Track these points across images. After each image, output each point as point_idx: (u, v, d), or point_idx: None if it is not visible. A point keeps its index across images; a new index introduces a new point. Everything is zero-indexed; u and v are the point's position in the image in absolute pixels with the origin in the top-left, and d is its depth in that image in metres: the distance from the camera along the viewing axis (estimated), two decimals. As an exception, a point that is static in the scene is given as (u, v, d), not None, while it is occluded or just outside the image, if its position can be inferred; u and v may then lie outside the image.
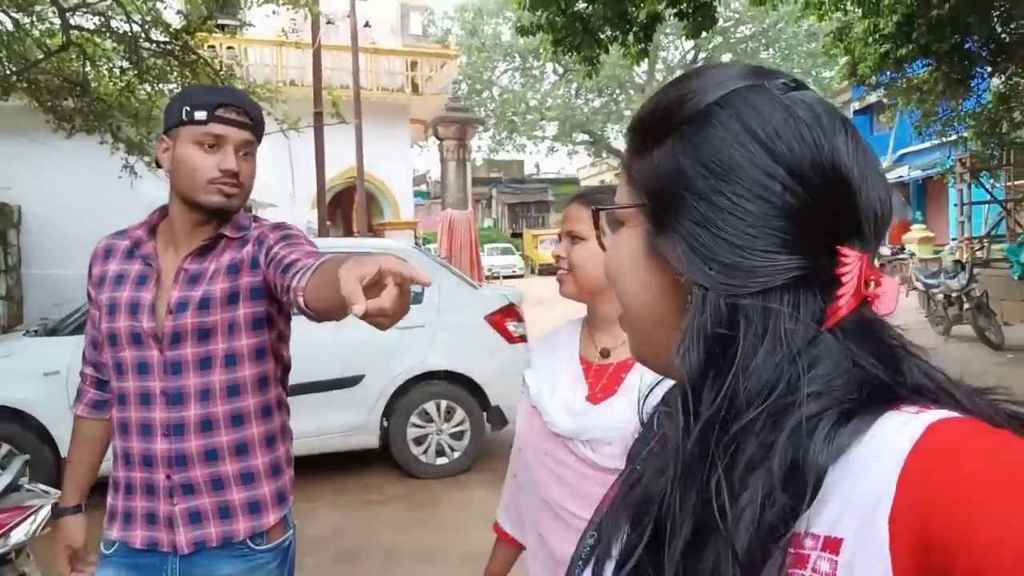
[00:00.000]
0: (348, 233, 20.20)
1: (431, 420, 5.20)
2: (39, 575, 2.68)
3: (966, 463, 0.43)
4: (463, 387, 5.26)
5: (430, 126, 18.22)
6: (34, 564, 2.68)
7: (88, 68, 7.37)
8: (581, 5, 7.03)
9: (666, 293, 0.57)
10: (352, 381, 5.00)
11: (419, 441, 5.19)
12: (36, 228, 10.20)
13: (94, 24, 7.19)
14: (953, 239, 14.85)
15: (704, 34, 7.63)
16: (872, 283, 0.53)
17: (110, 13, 7.12)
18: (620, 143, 31.49)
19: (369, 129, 14.38)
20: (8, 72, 6.79)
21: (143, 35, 7.26)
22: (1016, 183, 13.79)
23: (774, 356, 0.50)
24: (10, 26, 6.80)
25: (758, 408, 0.49)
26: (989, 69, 9.92)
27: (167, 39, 7.36)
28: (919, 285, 10.11)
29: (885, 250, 15.38)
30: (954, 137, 12.17)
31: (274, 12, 8.04)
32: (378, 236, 14.76)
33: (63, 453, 1.79)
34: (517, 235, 34.60)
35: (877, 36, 8.51)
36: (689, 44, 27.54)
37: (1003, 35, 9.52)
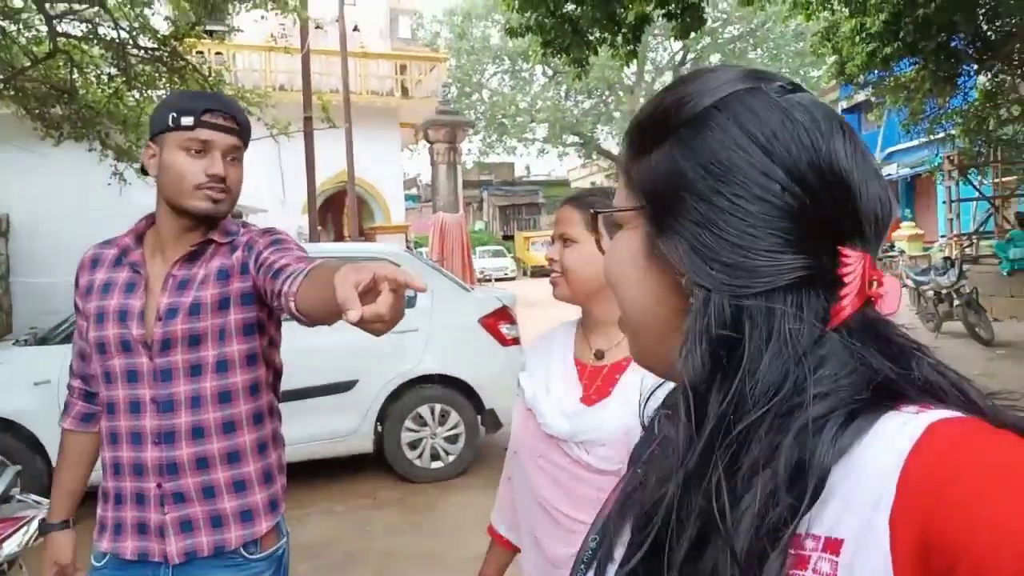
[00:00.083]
0: (339, 237, 20.16)
1: (425, 424, 5.19)
2: (32, 586, 2.67)
3: (966, 463, 0.43)
4: (457, 391, 5.26)
5: (420, 129, 18.20)
6: (26, 575, 2.66)
7: (76, 75, 7.34)
8: (570, 7, 7.04)
9: (667, 295, 0.57)
10: (346, 386, 4.99)
11: (413, 445, 5.18)
12: (25, 236, 10.15)
13: (81, 31, 7.16)
14: (942, 236, 14.95)
15: (692, 35, 7.65)
16: (875, 283, 0.53)
17: (97, 20, 7.09)
18: (610, 144, 31.58)
19: (359, 133, 14.36)
20: (-5, 80, 6.76)
21: (131, 42, 7.24)
22: (1004, 180, 13.90)
23: (780, 357, 0.50)
24: (-4, 34, 6.76)
25: (764, 409, 0.49)
26: (975, 67, 9.99)
27: (155, 45, 7.34)
28: (909, 282, 10.16)
29: (875, 248, 15.41)
30: (942, 135, 12.25)
31: (263, 17, 8.03)
32: (369, 240, 14.74)
33: (55, 463, 1.77)
34: (508, 237, 34.63)
35: (864, 35, 8.56)
36: (678, 45, 27.65)
37: (989, 33, 9.59)
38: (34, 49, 7.06)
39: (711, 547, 0.49)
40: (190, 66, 7.56)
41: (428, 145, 17.82)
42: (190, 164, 1.51)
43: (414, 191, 35.32)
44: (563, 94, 30.07)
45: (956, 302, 9.22)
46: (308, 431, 4.78)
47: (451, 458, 5.25)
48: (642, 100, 27.76)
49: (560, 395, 1.42)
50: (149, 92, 7.59)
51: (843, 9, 9.05)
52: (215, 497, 1.55)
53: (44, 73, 7.14)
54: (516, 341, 5.30)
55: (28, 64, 6.88)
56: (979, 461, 0.43)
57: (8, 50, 6.88)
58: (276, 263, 1.48)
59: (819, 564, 0.47)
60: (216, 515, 1.55)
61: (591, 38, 7.31)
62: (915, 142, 14.30)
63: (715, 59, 28.49)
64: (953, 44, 9.31)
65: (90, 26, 7.12)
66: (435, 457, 5.23)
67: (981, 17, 9.10)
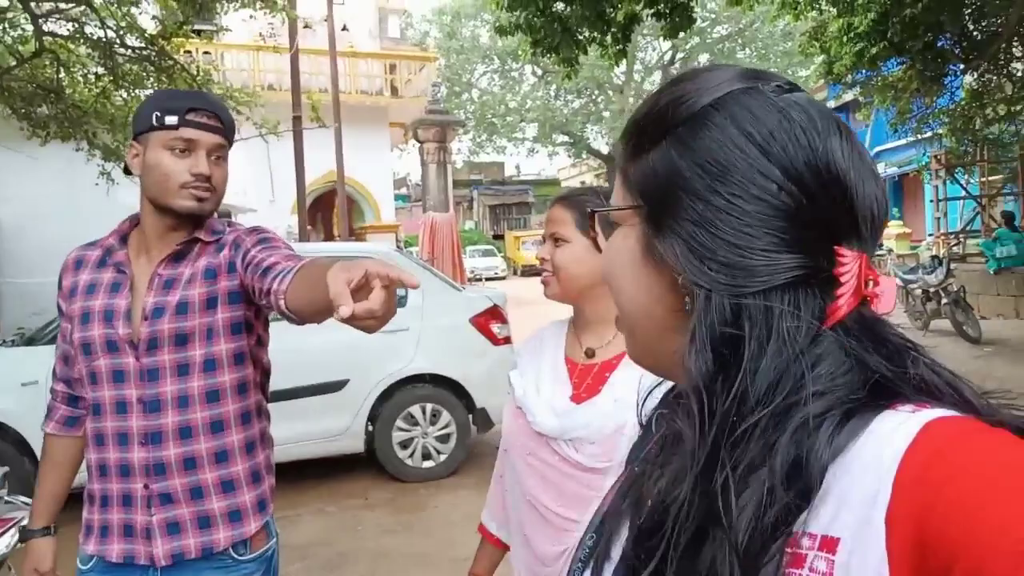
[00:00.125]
0: (329, 237, 20.11)
1: (416, 424, 5.19)
2: (20, 589, 2.65)
3: (962, 462, 0.43)
4: (448, 390, 5.25)
5: (410, 129, 18.18)
6: (15, 577, 2.65)
7: (62, 74, 7.28)
8: (559, 6, 7.05)
9: (664, 294, 0.57)
10: (336, 386, 4.98)
11: (405, 445, 5.18)
12: (12, 236, 10.07)
13: (68, 30, 7.11)
14: (930, 235, 15.05)
15: (681, 34, 7.67)
16: (871, 282, 0.53)
17: (84, 19, 7.04)
18: (600, 144, 31.62)
19: (349, 133, 14.32)
20: (-20, 79, 6.70)
21: (118, 41, 7.19)
22: (990, 178, 14.01)
23: (780, 356, 0.50)
24: (-19, 33, 6.71)
25: (766, 408, 0.49)
26: (962, 66, 10.06)
27: (143, 45, 7.29)
28: (897, 281, 10.23)
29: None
30: (929, 134, 12.33)
31: (251, 17, 8.00)
32: (359, 240, 14.71)
33: (41, 465, 1.75)
34: (499, 237, 34.62)
35: (852, 35, 8.61)
36: (666, 45, 27.71)
37: (975, 33, 9.67)
38: (20, 48, 7.00)
39: (708, 544, 0.49)
40: (178, 65, 7.52)
41: (418, 145, 17.82)
42: (175, 163, 1.50)
43: (404, 191, 35.26)
44: (553, 94, 30.09)
45: (944, 300, 9.29)
46: (299, 431, 4.77)
47: (442, 457, 5.25)
48: (631, 100, 27.86)
49: (550, 393, 1.42)
50: (136, 92, 7.54)
51: (831, 9, 9.10)
52: (203, 498, 1.54)
53: (30, 72, 7.08)
54: (507, 340, 5.30)
55: (14, 63, 6.83)
56: (975, 460, 0.43)
57: (-7, 49, 6.82)
58: (264, 261, 1.47)
59: (815, 562, 0.47)
60: (204, 516, 1.54)
61: (580, 37, 7.33)
62: (902, 141, 14.39)
63: (704, 59, 28.56)
64: (940, 44, 9.38)
65: (76, 25, 7.07)
66: (426, 456, 5.23)
67: (967, 17, 9.17)
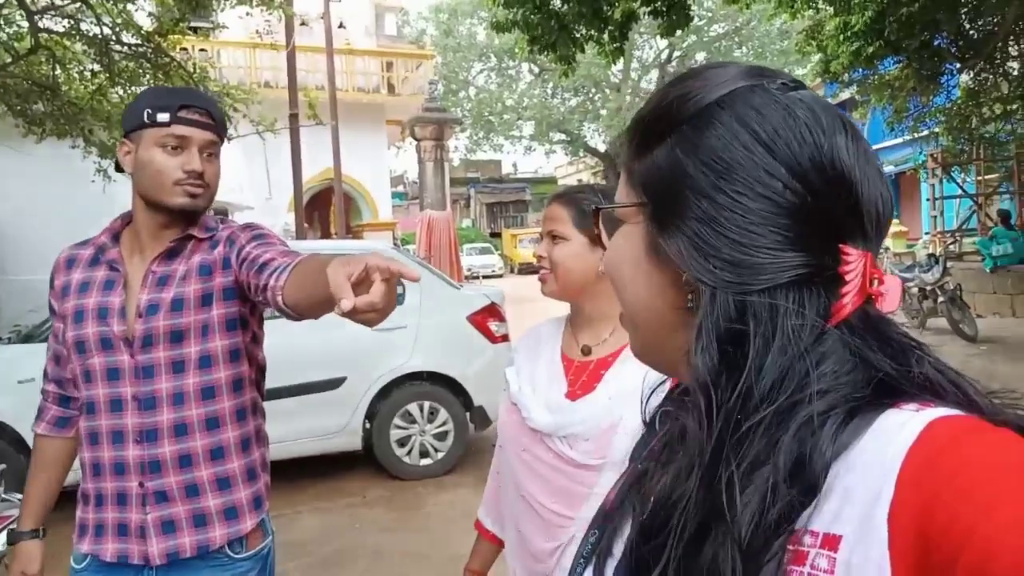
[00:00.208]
0: (326, 235, 20.08)
1: (414, 421, 5.18)
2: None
3: (966, 460, 0.43)
4: (446, 388, 5.25)
5: (407, 127, 18.14)
6: (12, 575, 2.64)
7: (58, 71, 7.26)
8: (556, 3, 7.05)
9: (668, 292, 0.57)
10: (334, 383, 4.97)
11: (402, 443, 5.18)
12: (9, 233, 10.04)
13: (63, 27, 7.09)
14: (926, 233, 15.09)
15: (679, 33, 7.67)
16: (875, 281, 0.53)
17: (80, 16, 7.02)
18: (597, 142, 31.60)
19: (345, 130, 14.30)
20: (-24, 76, 6.68)
21: (114, 38, 7.17)
22: (986, 177, 14.03)
23: (785, 354, 0.50)
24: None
25: (770, 405, 0.50)
26: (958, 65, 10.09)
27: (139, 42, 7.28)
28: (894, 279, 10.22)
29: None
30: (925, 132, 12.37)
31: (247, 14, 7.98)
32: (357, 238, 14.68)
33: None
34: (496, 235, 34.62)
35: (849, 34, 8.62)
36: (663, 43, 27.68)
37: (971, 32, 9.69)
38: (15, 45, 6.99)
39: (711, 540, 0.49)
40: (174, 63, 7.50)
41: (415, 142, 17.78)
42: (167, 160, 1.50)
43: (401, 188, 35.23)
44: (550, 92, 30.04)
45: (940, 299, 9.31)
46: (296, 429, 4.77)
47: (440, 455, 5.25)
48: (628, 98, 27.84)
49: (545, 390, 1.43)
50: (133, 88, 7.52)
51: (827, 8, 9.11)
52: (199, 495, 1.54)
53: (25, 69, 7.06)
54: (505, 338, 5.30)
55: (9, 60, 6.81)
56: (980, 457, 0.43)
57: (-11, 46, 6.80)
58: (260, 257, 1.47)
59: (817, 560, 0.47)
60: (200, 514, 1.54)
61: (578, 35, 7.32)
62: (899, 140, 14.42)
63: (701, 57, 28.53)
64: (936, 43, 9.40)
65: (72, 22, 7.05)
66: (424, 454, 5.23)
67: (963, 16, 9.19)
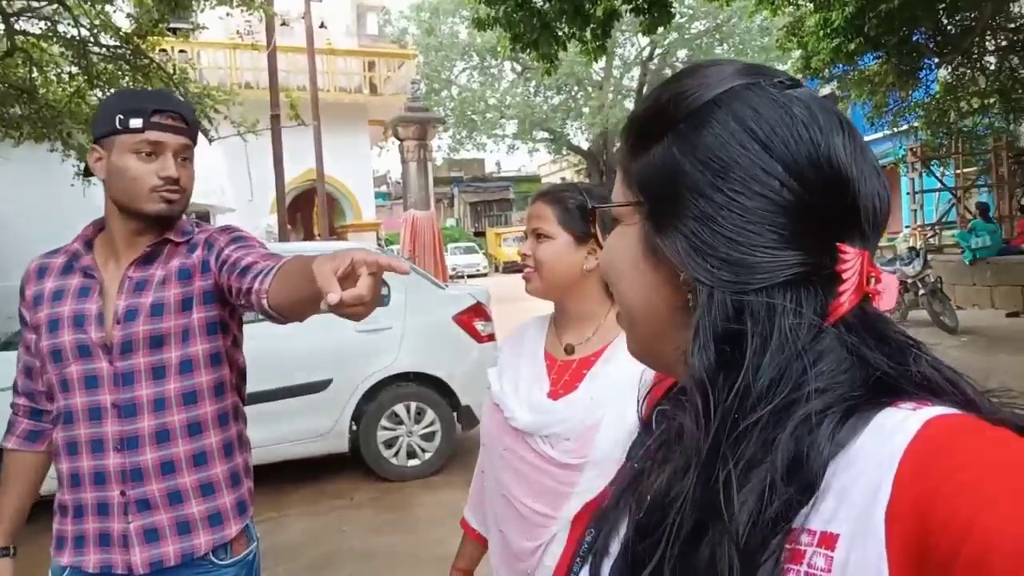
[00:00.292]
0: (309, 236, 19.98)
1: (401, 422, 5.17)
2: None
3: (965, 458, 0.43)
4: (433, 388, 5.24)
5: (389, 126, 18.11)
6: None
7: (35, 74, 7.18)
8: (538, 0, 7.04)
9: (665, 291, 0.57)
10: (320, 386, 4.95)
11: (389, 444, 5.16)
12: (-14, 239, 9.91)
13: (40, 29, 7.01)
14: (906, 227, 15.23)
15: (660, 30, 7.69)
16: (872, 279, 0.53)
17: (57, 17, 6.94)
18: (580, 140, 31.66)
19: (328, 131, 14.23)
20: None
21: (92, 39, 7.10)
22: (965, 170, 14.19)
23: (782, 353, 0.50)
24: (-49, 32, 6.59)
25: (768, 404, 0.49)
26: (936, 60, 10.19)
27: (117, 43, 7.21)
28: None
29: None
30: (905, 127, 12.50)
31: (228, 14, 7.92)
32: (340, 239, 14.63)
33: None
34: (480, 234, 34.60)
35: (829, 30, 8.68)
36: (645, 40, 27.76)
37: (949, 27, 9.79)
38: (-9, 48, 6.90)
39: (708, 539, 0.49)
40: (154, 64, 7.44)
41: (398, 142, 17.75)
42: (142, 167, 1.48)
43: (384, 189, 35.12)
44: (532, 90, 30.04)
45: (921, 291, 9.40)
46: (282, 431, 4.74)
47: (427, 456, 5.24)
48: (611, 95, 27.92)
49: (528, 389, 1.43)
50: (111, 91, 7.45)
51: (808, 4, 9.18)
52: (182, 502, 1.52)
53: (2, 72, 6.97)
54: (491, 337, 5.30)
55: (-15, 63, 6.72)
56: (977, 456, 0.43)
57: (-36, 49, 6.71)
58: (241, 260, 1.46)
59: (814, 559, 0.47)
60: (183, 521, 1.52)
61: (560, 33, 7.33)
62: (879, 135, 14.55)
63: (682, 54, 28.65)
64: (915, 38, 9.49)
65: (49, 24, 6.97)
66: (411, 455, 5.22)
67: (941, 12, 9.28)
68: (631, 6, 7.06)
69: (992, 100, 10.89)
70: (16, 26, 6.67)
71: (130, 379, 1.50)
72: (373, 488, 5.07)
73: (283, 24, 9.86)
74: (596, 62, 8.81)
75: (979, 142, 13.53)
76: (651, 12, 7.10)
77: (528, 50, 7.44)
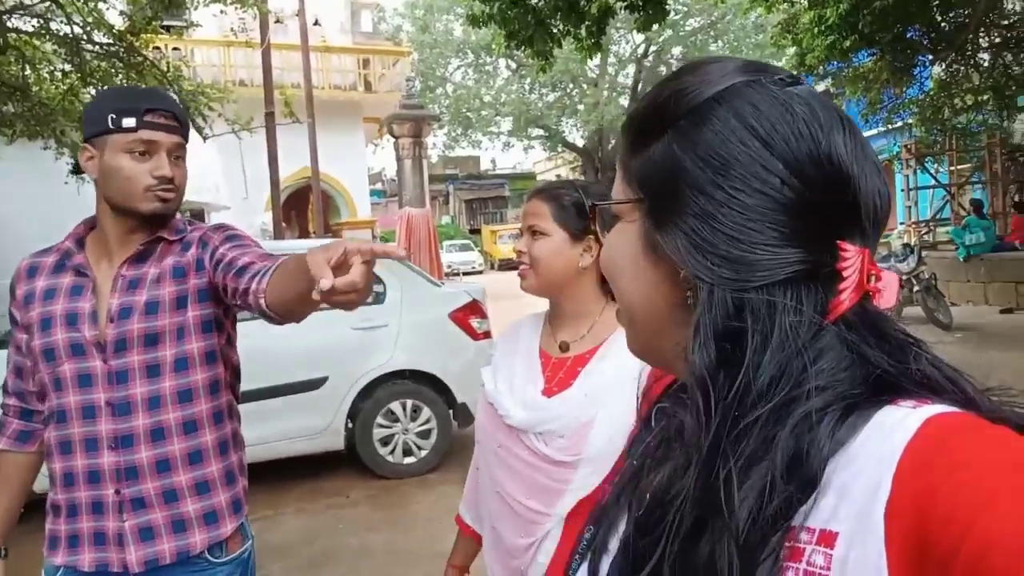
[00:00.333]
0: (304, 234, 19.96)
1: (397, 420, 5.17)
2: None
3: (964, 456, 0.43)
4: (429, 385, 5.24)
5: (384, 124, 18.06)
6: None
7: (28, 72, 7.14)
8: (533, -2, 7.04)
9: (665, 288, 0.57)
10: (315, 384, 4.95)
11: (385, 441, 5.16)
12: (-19, 237, 9.87)
13: (33, 26, 6.97)
14: (901, 223, 15.27)
15: (655, 27, 7.70)
16: (873, 277, 0.53)
17: (49, 15, 6.90)
18: (575, 137, 31.65)
19: (322, 128, 14.19)
20: (-57, 77, 6.55)
21: (85, 37, 7.06)
22: (959, 167, 14.24)
23: (782, 350, 0.50)
24: (-57, 30, 6.55)
25: (768, 402, 0.49)
26: (931, 57, 10.22)
27: (111, 41, 7.17)
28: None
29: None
30: (899, 124, 12.54)
31: (222, 12, 7.88)
32: (336, 236, 14.60)
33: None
34: (475, 231, 34.57)
35: (823, 27, 8.71)
36: (640, 37, 27.76)
37: (943, 24, 9.82)
38: (-17, 46, 6.86)
39: (707, 536, 0.49)
40: (147, 62, 7.40)
41: (393, 140, 17.71)
42: (136, 167, 1.48)
43: (379, 186, 35.07)
44: (527, 87, 30.02)
45: (915, 288, 9.43)
46: (278, 429, 4.74)
47: (423, 453, 5.24)
48: (606, 93, 27.89)
49: (522, 386, 1.43)
50: (105, 88, 7.42)
51: (802, 1, 9.19)
52: (177, 501, 1.52)
53: (-6, 70, 6.94)
54: (487, 335, 5.29)
55: (-23, 61, 6.69)
56: (977, 455, 0.43)
57: (-44, 46, 6.67)
58: (238, 260, 1.46)
59: (813, 557, 0.47)
60: (179, 519, 1.52)
61: (554, 30, 7.33)
62: (873, 132, 14.57)
63: (677, 51, 28.64)
64: (909, 35, 9.52)
65: (42, 21, 6.93)
66: (407, 453, 5.22)
67: (935, 8, 9.30)
68: (626, 3, 7.06)
69: (986, 97, 10.92)
70: (8, 24, 6.63)
71: (124, 377, 1.49)
72: (369, 486, 5.07)
73: (277, 21, 9.83)
74: (591, 59, 8.81)
75: (973, 139, 13.58)
76: (646, 9, 7.10)
77: (523, 47, 7.44)
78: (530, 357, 1.48)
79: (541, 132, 30.94)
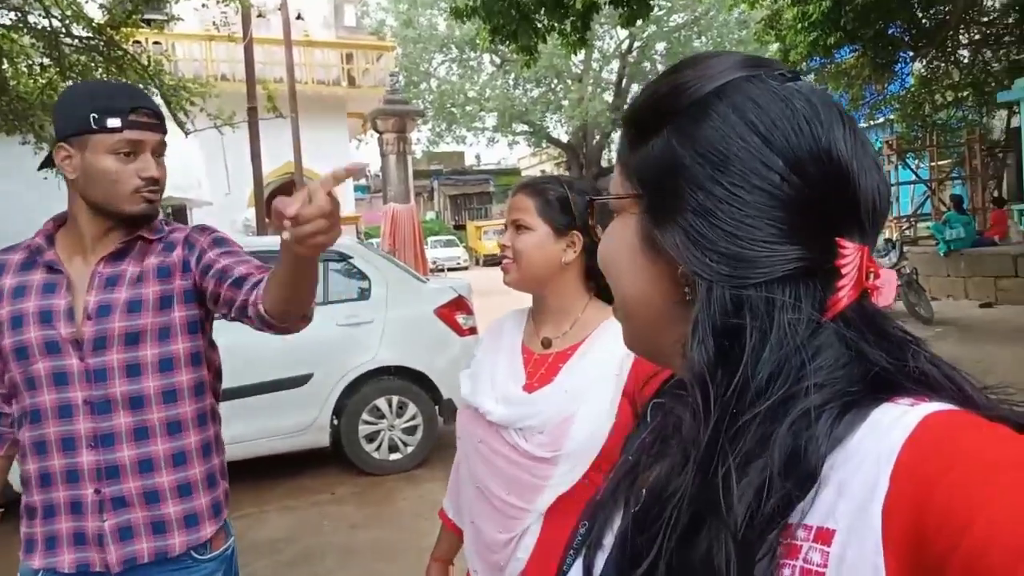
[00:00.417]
0: (288, 230, 19.82)
1: (383, 416, 5.15)
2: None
3: (962, 454, 0.43)
4: (414, 382, 5.23)
5: (368, 119, 17.96)
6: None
7: (5, 66, 7.04)
8: (517, -8, 7.02)
9: (662, 284, 0.57)
10: (300, 380, 4.92)
11: (371, 438, 5.14)
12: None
13: (10, 20, 6.87)
14: (882, 218, 15.42)
15: (639, 23, 7.71)
16: (871, 275, 0.53)
17: (27, 8, 6.81)
18: (559, 132, 31.65)
19: (306, 123, 14.12)
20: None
21: (64, 31, 6.97)
22: (939, 163, 14.39)
23: (781, 348, 0.50)
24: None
25: (767, 399, 0.49)
26: (911, 54, 10.31)
27: (90, 35, 7.09)
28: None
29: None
30: (881, 120, 12.65)
31: (203, 5, 7.82)
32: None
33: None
34: (460, 227, 34.55)
35: (806, 23, 8.76)
36: (624, 33, 27.79)
37: (924, 21, 9.91)
38: (-41, 39, 6.76)
39: (705, 533, 0.49)
40: (127, 56, 7.32)
41: (377, 135, 17.63)
42: (122, 168, 1.45)
43: (363, 182, 34.92)
44: (511, 83, 29.97)
45: (897, 282, 9.52)
46: (263, 427, 4.71)
47: (409, 449, 5.23)
48: (590, 88, 27.91)
49: (503, 382, 1.43)
50: (76, 85, 7.33)
51: (785, -3, 9.24)
52: (158, 502, 1.50)
53: (-29, 64, 6.84)
54: (473, 331, 5.29)
55: (-46, 54, 6.59)
56: (975, 453, 0.43)
57: (-69, 40, 6.57)
58: (233, 270, 1.46)
59: (810, 554, 0.47)
60: (159, 520, 1.50)
61: (539, 25, 7.32)
62: (855, 127, 14.70)
63: (660, 47, 28.70)
64: (890, 32, 9.60)
65: (19, 14, 6.84)
66: (393, 449, 5.20)
67: (916, 6, 9.39)
68: (610, -1, 7.06)
69: (966, 93, 11.05)
70: (-15, 17, 6.54)
71: (103, 375, 1.47)
72: (354, 482, 5.05)
73: (259, 15, 9.78)
74: (576, 55, 8.82)
75: (953, 135, 13.73)
76: (630, 5, 7.11)
77: (507, 42, 7.43)
78: (512, 353, 1.47)
79: (525, 128, 30.92)
